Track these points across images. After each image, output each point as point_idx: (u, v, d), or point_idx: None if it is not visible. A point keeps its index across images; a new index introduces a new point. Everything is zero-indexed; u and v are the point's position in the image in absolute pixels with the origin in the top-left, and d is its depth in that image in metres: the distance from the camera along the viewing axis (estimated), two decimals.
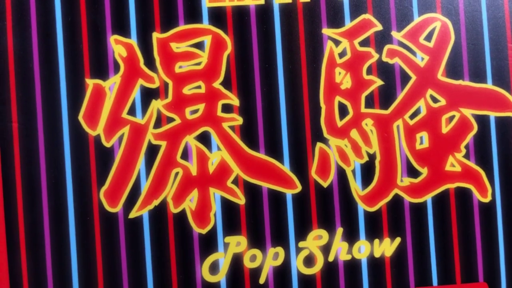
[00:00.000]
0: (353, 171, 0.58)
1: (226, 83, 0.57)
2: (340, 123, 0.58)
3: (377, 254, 0.58)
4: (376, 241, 0.58)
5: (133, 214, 0.56)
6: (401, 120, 0.59)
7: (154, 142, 0.56)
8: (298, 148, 0.57)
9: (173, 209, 0.56)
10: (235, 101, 0.57)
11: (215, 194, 0.57)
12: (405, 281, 0.58)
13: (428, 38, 0.59)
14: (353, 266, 0.58)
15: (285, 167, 0.57)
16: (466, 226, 0.59)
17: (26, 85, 0.55)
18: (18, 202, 0.55)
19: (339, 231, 0.58)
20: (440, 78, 0.59)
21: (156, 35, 0.57)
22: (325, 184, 0.58)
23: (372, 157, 0.58)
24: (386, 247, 0.58)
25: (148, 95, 0.57)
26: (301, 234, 0.57)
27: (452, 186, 0.59)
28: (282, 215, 0.57)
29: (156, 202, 0.56)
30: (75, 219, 0.55)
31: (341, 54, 0.58)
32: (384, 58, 0.59)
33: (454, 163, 0.59)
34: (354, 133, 0.58)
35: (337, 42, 0.58)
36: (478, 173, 0.59)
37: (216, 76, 0.57)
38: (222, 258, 0.57)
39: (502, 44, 0.60)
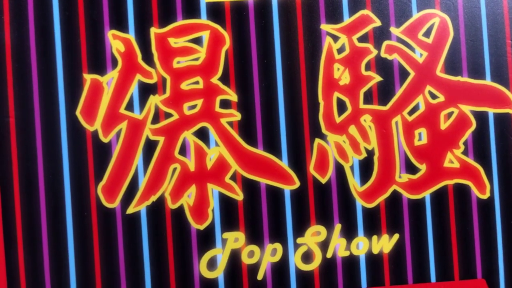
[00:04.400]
0: (352, 167, 0.58)
1: (224, 79, 0.57)
2: (338, 119, 0.58)
3: (375, 251, 0.58)
4: (375, 237, 0.58)
5: (130, 210, 0.56)
6: (400, 116, 0.58)
7: (152, 137, 0.56)
8: (296, 144, 0.57)
9: (171, 205, 0.56)
10: (233, 96, 0.57)
11: (213, 190, 0.57)
12: (403, 278, 0.58)
13: (427, 34, 0.59)
14: (351, 262, 0.58)
15: (283, 163, 0.57)
16: (465, 223, 0.59)
17: (23, 80, 0.55)
18: (15, 197, 0.55)
19: (337, 227, 0.58)
20: (439, 74, 0.59)
21: (154, 30, 0.56)
22: (323, 180, 0.57)
23: (370, 153, 0.58)
24: (385, 244, 0.58)
25: (146, 90, 0.56)
26: (299, 230, 0.57)
27: (450, 182, 0.59)
28: (280, 211, 0.57)
29: (154, 198, 0.56)
30: (72, 214, 0.55)
31: (340, 50, 0.58)
32: (383, 54, 0.58)
33: (452, 159, 0.59)
34: (352, 129, 0.58)
35: (335, 38, 0.58)
36: (476, 170, 0.59)
37: (214, 71, 0.57)
38: (220, 254, 0.57)
39: (501, 40, 0.59)
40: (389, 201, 0.58)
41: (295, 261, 0.57)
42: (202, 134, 0.57)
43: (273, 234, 0.57)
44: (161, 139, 0.56)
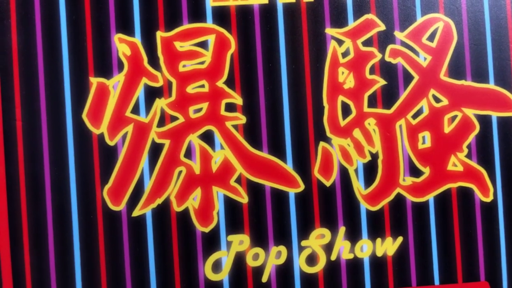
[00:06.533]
0: (356, 171, 0.58)
1: (229, 82, 0.57)
2: (343, 123, 0.58)
3: (379, 253, 0.58)
4: (378, 240, 0.58)
5: (136, 213, 0.56)
6: (404, 120, 0.59)
7: (158, 140, 0.56)
8: (301, 147, 0.58)
9: (176, 208, 0.56)
10: (238, 100, 0.57)
11: (218, 193, 0.57)
12: (407, 280, 0.58)
13: (431, 38, 0.59)
14: (355, 265, 0.58)
15: (288, 166, 0.57)
16: (468, 226, 0.59)
17: (30, 83, 0.55)
18: (21, 200, 0.55)
19: (342, 230, 0.58)
20: (443, 78, 0.59)
21: (160, 34, 0.57)
22: (327, 183, 0.58)
23: (374, 156, 0.58)
24: (388, 246, 0.58)
25: (152, 93, 0.57)
26: (304, 233, 0.58)
27: (454, 185, 0.59)
28: (285, 214, 0.57)
29: (159, 201, 0.56)
30: (78, 217, 0.55)
31: (344, 54, 0.58)
32: (387, 58, 0.59)
33: (456, 162, 0.59)
34: (357, 133, 0.58)
35: (340, 42, 0.58)
36: (480, 173, 0.59)
37: (220, 75, 0.57)
38: (225, 256, 0.57)
39: (504, 44, 0.60)
40: (393, 204, 0.58)
41: (300, 263, 0.58)
42: (208, 137, 0.57)
43: (278, 236, 0.57)
44: (166, 142, 0.56)
